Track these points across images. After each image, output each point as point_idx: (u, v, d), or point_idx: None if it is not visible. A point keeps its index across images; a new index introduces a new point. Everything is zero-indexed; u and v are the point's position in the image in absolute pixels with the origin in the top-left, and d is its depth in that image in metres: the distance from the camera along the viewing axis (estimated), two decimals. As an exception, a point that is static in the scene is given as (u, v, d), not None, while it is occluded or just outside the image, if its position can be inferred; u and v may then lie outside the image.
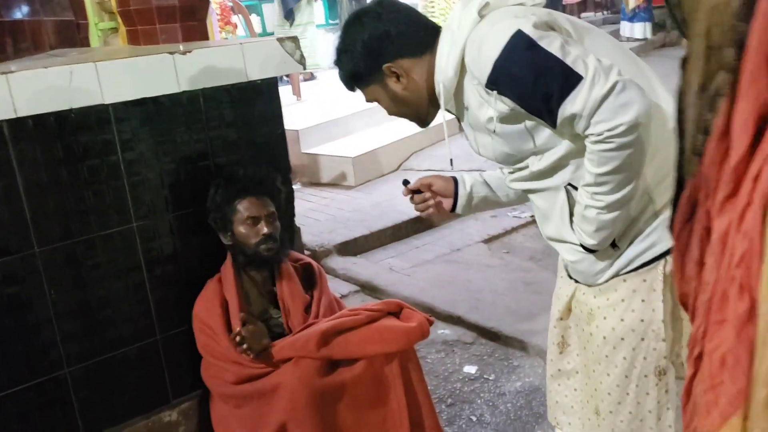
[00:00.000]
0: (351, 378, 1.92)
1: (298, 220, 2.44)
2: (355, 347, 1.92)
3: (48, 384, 1.92)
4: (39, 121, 1.80)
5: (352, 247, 4.17)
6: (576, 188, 1.38)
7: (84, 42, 2.85)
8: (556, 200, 1.44)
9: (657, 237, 1.42)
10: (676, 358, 1.55)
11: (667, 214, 1.39)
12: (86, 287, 1.94)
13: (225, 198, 1.97)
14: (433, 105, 1.47)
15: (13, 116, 1.75)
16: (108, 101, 1.89)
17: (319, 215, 4.71)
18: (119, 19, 2.94)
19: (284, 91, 5.88)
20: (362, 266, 3.95)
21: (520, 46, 1.25)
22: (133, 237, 2.00)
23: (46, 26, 2.31)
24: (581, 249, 1.44)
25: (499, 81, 1.29)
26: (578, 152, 1.34)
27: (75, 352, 1.95)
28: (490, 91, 1.31)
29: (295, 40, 2.20)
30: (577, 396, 1.67)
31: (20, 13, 2.18)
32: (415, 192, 1.72)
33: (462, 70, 1.37)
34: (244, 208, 1.96)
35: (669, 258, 1.42)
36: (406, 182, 1.73)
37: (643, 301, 1.44)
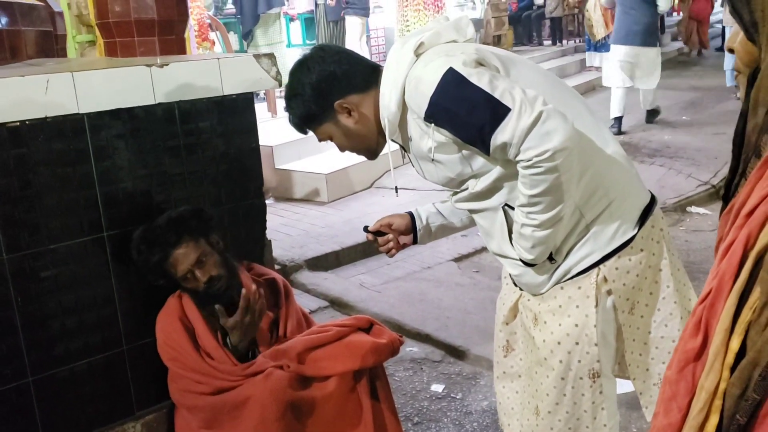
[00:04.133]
0: (321, 394, 1.92)
1: (270, 235, 2.46)
2: (326, 363, 1.93)
3: (10, 393, 1.90)
4: (13, 128, 1.80)
5: (322, 263, 4.18)
6: (512, 208, 1.50)
7: (61, 53, 2.86)
8: (495, 219, 1.57)
9: (590, 248, 1.54)
10: (620, 362, 1.67)
11: (597, 227, 1.52)
12: (54, 295, 1.94)
13: (152, 265, 1.91)
14: (382, 136, 1.58)
15: (-13, 123, 1.75)
16: (83, 111, 1.90)
17: (290, 230, 4.73)
18: (97, 32, 2.95)
19: (260, 108, 5.91)
20: (332, 282, 3.97)
21: (452, 83, 1.37)
22: (103, 246, 2.00)
23: (25, 36, 2.32)
24: (521, 264, 1.56)
25: (435, 115, 1.41)
26: (511, 176, 1.46)
27: (39, 360, 1.93)
28: (428, 124, 1.44)
29: (271, 57, 2.24)
30: (518, 398, 1.79)
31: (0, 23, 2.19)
32: (376, 234, 1.82)
33: (403, 106, 1.48)
34: (172, 266, 1.90)
35: (602, 266, 1.54)
36: (366, 228, 1.83)
37: (577, 307, 1.56)
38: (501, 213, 1.55)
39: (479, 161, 1.48)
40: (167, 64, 2.04)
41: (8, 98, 1.78)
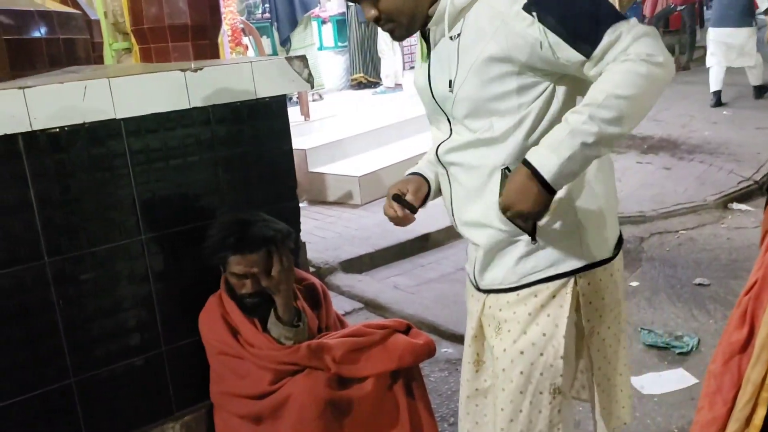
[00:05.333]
0: (359, 394, 1.94)
1: (304, 237, 2.47)
2: (364, 364, 1.94)
3: (54, 393, 1.94)
4: (53, 134, 1.84)
5: (357, 265, 4.19)
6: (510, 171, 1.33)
7: (98, 61, 2.92)
8: (489, 180, 1.38)
9: (570, 252, 1.42)
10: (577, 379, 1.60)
11: (585, 230, 1.41)
12: (94, 298, 1.97)
13: (217, 249, 1.95)
14: (424, 16, 1.38)
15: (29, 129, 1.79)
16: (120, 116, 1.94)
17: (324, 233, 4.75)
18: (133, 39, 3.01)
19: (293, 112, 5.94)
20: (367, 284, 3.97)
21: None
22: (141, 249, 2.03)
23: (63, 45, 2.38)
24: (503, 232, 1.40)
25: (541, 1, 1.24)
26: (538, 127, 1.33)
27: (81, 361, 1.97)
28: (526, 14, 1.24)
29: (303, 59, 2.25)
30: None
31: (38, 32, 2.24)
32: (406, 204, 1.56)
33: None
34: (233, 262, 1.93)
35: (579, 277, 1.43)
36: (400, 199, 1.56)
37: (548, 315, 1.43)
38: (498, 174, 1.35)
39: (530, 94, 1.32)
40: (201, 69, 2.06)
41: (48, 105, 1.82)
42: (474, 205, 1.44)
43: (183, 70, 2.03)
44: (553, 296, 1.43)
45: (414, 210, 1.55)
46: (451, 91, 1.36)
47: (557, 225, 1.39)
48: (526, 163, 1.26)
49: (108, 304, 2.00)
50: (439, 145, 1.47)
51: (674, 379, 2.71)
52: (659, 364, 2.83)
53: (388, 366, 1.95)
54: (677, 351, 2.87)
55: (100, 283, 1.98)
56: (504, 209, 1.31)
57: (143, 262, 2.04)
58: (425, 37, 1.42)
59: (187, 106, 2.05)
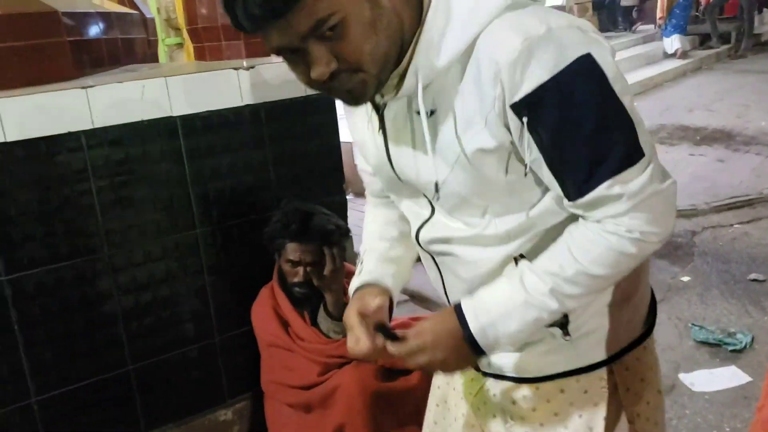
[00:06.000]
0: (405, 386, 1.97)
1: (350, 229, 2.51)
2: None
3: (113, 380, 2.03)
4: (113, 131, 1.92)
5: (403, 258, 4.20)
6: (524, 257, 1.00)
7: (154, 58, 3.01)
8: (500, 271, 1.02)
9: (604, 336, 1.08)
10: None
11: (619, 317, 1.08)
12: (150, 289, 2.05)
13: (277, 234, 2.00)
14: (394, 63, 0.91)
15: (90, 127, 1.87)
16: (176, 114, 2.00)
17: (371, 226, 4.78)
18: (185, 35, 3.08)
19: (340, 105, 5.98)
20: (412, 276, 3.98)
21: (587, 76, 0.85)
22: (196, 243, 2.10)
23: (121, 44, 2.46)
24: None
25: (539, 106, 0.85)
26: (552, 219, 0.99)
27: (139, 350, 2.06)
28: (513, 116, 0.87)
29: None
30: None
31: (99, 32, 2.33)
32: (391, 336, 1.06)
33: (469, 60, 0.89)
34: (290, 249, 1.98)
35: (615, 364, 1.11)
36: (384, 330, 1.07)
37: (580, 417, 1.11)
38: (512, 264, 1.01)
39: (531, 191, 0.98)
40: (253, 67, 2.11)
41: (108, 103, 1.90)
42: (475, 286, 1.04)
43: (236, 69, 2.08)
44: (585, 392, 1.11)
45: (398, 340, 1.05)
46: (436, 189, 0.99)
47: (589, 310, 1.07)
48: (462, 322, 0.98)
49: (163, 296, 2.08)
50: (419, 229, 1.08)
51: (727, 377, 2.66)
52: (711, 361, 2.77)
53: None
54: (730, 348, 2.82)
55: (156, 275, 2.05)
56: (409, 354, 1.00)
57: (197, 255, 2.11)
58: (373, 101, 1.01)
59: (240, 104, 2.10)
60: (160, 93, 1.97)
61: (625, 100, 0.88)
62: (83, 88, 1.86)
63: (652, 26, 11.25)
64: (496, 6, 0.88)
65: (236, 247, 2.17)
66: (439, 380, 1.32)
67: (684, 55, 9.51)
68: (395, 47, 0.89)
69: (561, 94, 0.84)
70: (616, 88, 0.87)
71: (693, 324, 3.00)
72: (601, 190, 0.88)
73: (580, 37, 0.86)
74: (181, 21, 3.27)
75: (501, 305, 0.97)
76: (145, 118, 1.96)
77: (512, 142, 0.91)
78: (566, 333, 1.04)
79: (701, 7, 10.58)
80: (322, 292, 1.99)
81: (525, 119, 0.86)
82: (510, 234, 0.99)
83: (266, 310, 2.08)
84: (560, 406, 1.11)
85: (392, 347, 1.02)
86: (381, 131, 1.02)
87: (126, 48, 2.49)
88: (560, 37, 0.85)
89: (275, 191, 2.23)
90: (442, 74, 0.91)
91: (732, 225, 4.17)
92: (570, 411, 1.11)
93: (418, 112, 0.94)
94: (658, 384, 1.20)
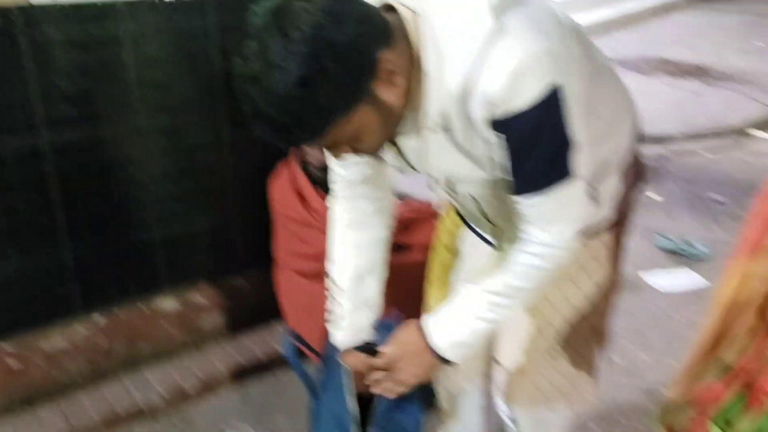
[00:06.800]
0: (407, 261, 2.05)
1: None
2: (415, 234, 2.17)
3: (138, 243, 2.22)
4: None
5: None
6: None
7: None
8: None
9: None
10: None
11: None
12: (170, 157, 2.20)
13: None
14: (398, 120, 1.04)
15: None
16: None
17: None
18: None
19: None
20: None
21: (554, 107, 0.97)
22: (219, 116, 2.24)
23: None
24: None
25: (512, 129, 0.99)
26: None
27: (162, 218, 2.23)
28: (493, 132, 1.01)
29: None
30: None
31: None
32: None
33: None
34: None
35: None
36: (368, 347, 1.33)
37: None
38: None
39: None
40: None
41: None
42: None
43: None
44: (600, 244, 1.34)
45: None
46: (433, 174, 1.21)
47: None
48: (424, 336, 1.21)
49: (186, 166, 2.23)
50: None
51: (685, 279, 2.96)
52: (671, 266, 3.07)
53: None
54: (689, 255, 3.12)
55: (185, 144, 2.20)
56: (386, 368, 1.25)
57: (218, 129, 2.26)
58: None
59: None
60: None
61: (576, 126, 1.00)
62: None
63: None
64: (484, 36, 0.94)
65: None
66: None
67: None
68: (402, 116, 1.03)
69: (527, 120, 0.97)
70: (573, 111, 0.99)
71: (658, 234, 3.29)
72: (536, 198, 1.06)
73: (551, 65, 0.95)
74: None
75: (452, 321, 1.20)
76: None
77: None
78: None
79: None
80: None
81: (502, 134, 1.00)
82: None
83: (284, 184, 2.24)
84: (584, 257, 1.31)
85: (376, 361, 1.26)
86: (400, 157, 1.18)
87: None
88: (533, 71, 0.94)
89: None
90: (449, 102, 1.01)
91: (701, 152, 4.45)
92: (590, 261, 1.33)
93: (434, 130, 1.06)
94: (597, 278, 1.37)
